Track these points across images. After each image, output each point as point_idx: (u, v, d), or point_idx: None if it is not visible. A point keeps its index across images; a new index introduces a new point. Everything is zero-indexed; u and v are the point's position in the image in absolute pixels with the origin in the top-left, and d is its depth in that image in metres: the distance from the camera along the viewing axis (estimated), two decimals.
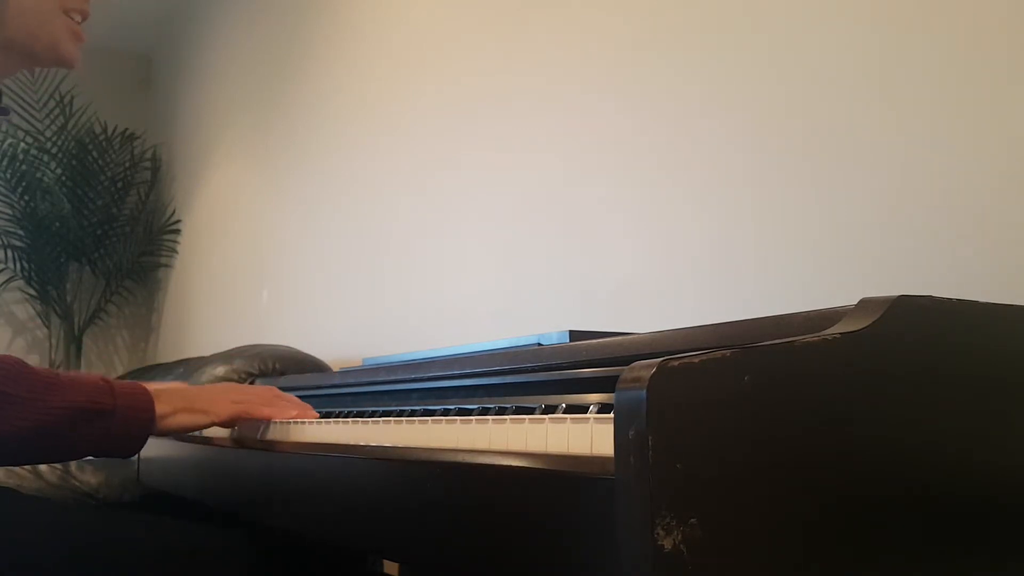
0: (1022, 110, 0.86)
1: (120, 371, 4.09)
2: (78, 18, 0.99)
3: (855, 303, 0.53)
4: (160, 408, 0.94)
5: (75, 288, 3.96)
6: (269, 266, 2.87)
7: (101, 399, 0.90)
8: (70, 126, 3.86)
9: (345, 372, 1.17)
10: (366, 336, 2.18)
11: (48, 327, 3.96)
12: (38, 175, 3.82)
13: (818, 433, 0.47)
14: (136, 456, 1.48)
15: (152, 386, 0.98)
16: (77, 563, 0.92)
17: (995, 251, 0.87)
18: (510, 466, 0.54)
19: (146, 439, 0.95)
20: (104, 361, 4.16)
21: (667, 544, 0.41)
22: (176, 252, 3.92)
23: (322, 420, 0.91)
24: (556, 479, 0.50)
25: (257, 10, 3.12)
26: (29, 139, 3.77)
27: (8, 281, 3.85)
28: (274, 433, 0.97)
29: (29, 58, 0.99)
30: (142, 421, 0.92)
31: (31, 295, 3.88)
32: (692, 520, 0.42)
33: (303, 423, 0.93)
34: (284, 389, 1.11)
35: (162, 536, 1.01)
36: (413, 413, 0.76)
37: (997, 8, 0.89)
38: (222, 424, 1.00)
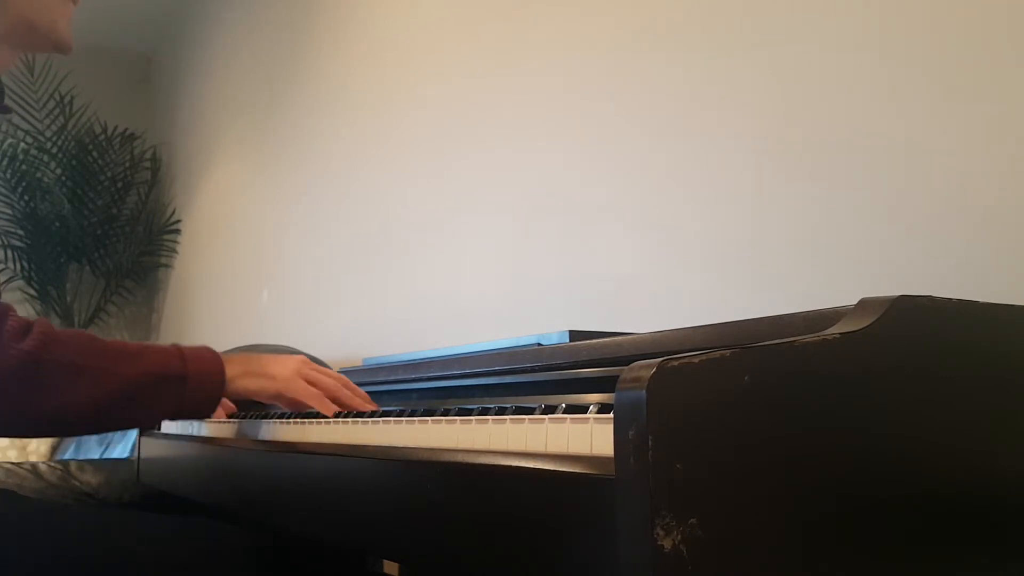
0: (1022, 110, 0.86)
1: None
2: (71, 5, 0.99)
3: (855, 303, 0.53)
4: (230, 370, 0.96)
5: (75, 288, 3.96)
6: (269, 266, 2.87)
7: (174, 365, 0.93)
8: (70, 126, 3.86)
9: (345, 372, 1.17)
10: (366, 336, 2.18)
11: None
12: (38, 175, 3.82)
13: (818, 433, 0.47)
14: (136, 456, 1.49)
15: (225, 354, 1.00)
16: (77, 563, 0.93)
17: (995, 251, 0.87)
18: (510, 466, 0.54)
19: (219, 401, 0.97)
20: None
21: (667, 544, 0.41)
22: (176, 252, 3.92)
23: (328, 420, 0.91)
24: (556, 479, 0.50)
25: (257, 10, 3.12)
26: (29, 139, 3.77)
27: (8, 281, 3.85)
28: (274, 433, 0.97)
29: (28, 46, 0.99)
30: (214, 384, 0.95)
31: (31, 295, 3.88)
32: (692, 520, 0.42)
33: (303, 423, 0.93)
34: None
35: (161, 536, 1.01)
36: (413, 413, 0.76)
37: (997, 7, 0.89)
38: (285, 403, 0.99)
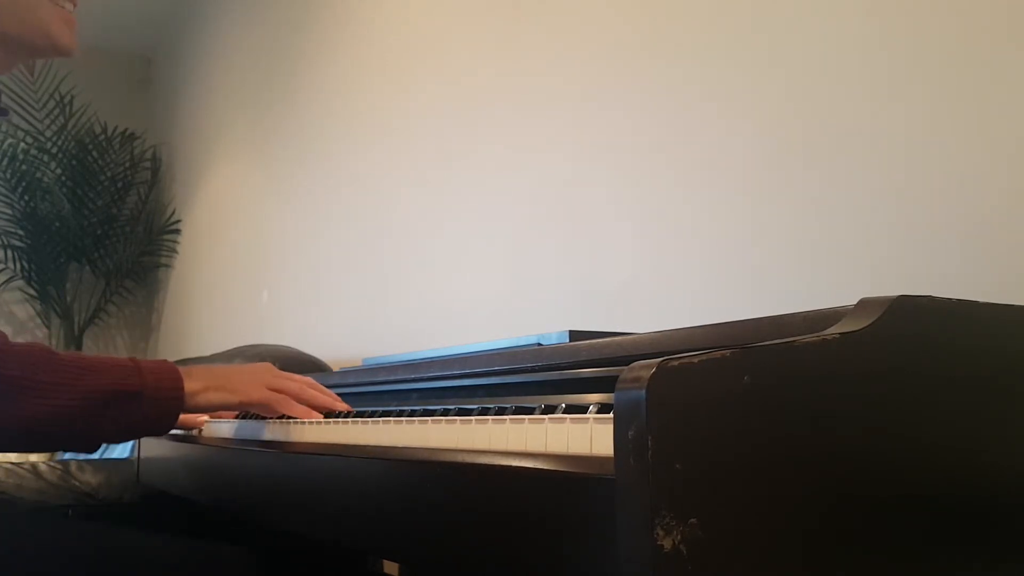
0: (1022, 110, 0.86)
1: None
2: (68, 6, 0.98)
3: (855, 303, 0.53)
4: (190, 385, 0.93)
5: (75, 288, 3.96)
6: (269, 266, 2.87)
7: (130, 380, 0.90)
8: (70, 126, 3.86)
9: (345, 372, 1.17)
10: (366, 336, 2.18)
11: (48, 327, 3.96)
12: (38, 175, 3.82)
13: (818, 433, 0.47)
14: (136, 456, 1.49)
15: (187, 367, 0.97)
16: (77, 564, 0.92)
17: (995, 251, 0.87)
18: (510, 466, 0.54)
19: (177, 417, 0.94)
20: None
21: (667, 544, 0.41)
22: (176, 252, 3.92)
23: (323, 420, 0.91)
24: (556, 479, 0.50)
25: (257, 10, 3.12)
26: (29, 139, 3.77)
27: (8, 281, 3.85)
28: (274, 433, 0.97)
29: (25, 50, 0.98)
30: (172, 400, 0.92)
31: (31, 295, 3.88)
32: (692, 520, 0.42)
33: (303, 423, 0.93)
34: None
35: (161, 536, 1.01)
36: (413, 413, 0.76)
37: (998, 7, 0.89)
38: (251, 406, 0.98)
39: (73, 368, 0.88)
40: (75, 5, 0.99)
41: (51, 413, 0.85)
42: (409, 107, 2.04)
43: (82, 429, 0.89)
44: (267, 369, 1.00)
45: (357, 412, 0.92)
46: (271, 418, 1.01)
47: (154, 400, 0.90)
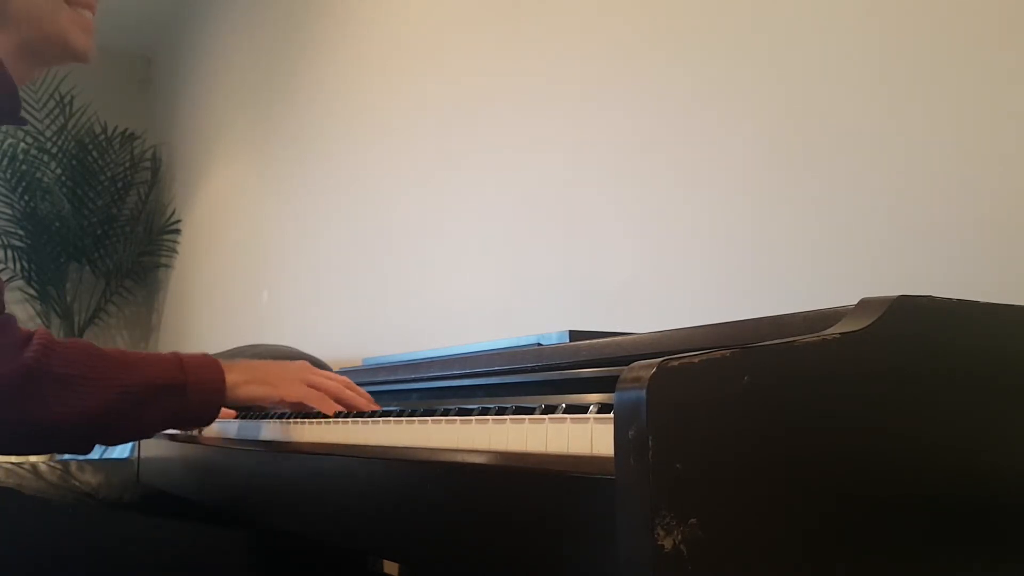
0: (1022, 110, 0.86)
1: None
2: (87, 12, 0.98)
3: (855, 303, 0.53)
4: (231, 378, 0.95)
5: (75, 288, 3.96)
6: (269, 266, 2.87)
7: (173, 374, 0.92)
8: (70, 126, 3.86)
9: (345, 372, 1.17)
10: (366, 336, 2.18)
11: (48, 327, 3.96)
12: (38, 175, 3.82)
13: (818, 433, 0.47)
14: (136, 456, 1.49)
15: (227, 361, 0.99)
16: (77, 563, 0.93)
17: (995, 251, 0.87)
18: (510, 466, 0.54)
19: (219, 409, 0.96)
20: None
21: (667, 544, 0.41)
22: (176, 252, 3.92)
23: (328, 420, 0.91)
24: (556, 479, 0.50)
25: (257, 11, 3.12)
26: (29, 139, 3.77)
27: (8, 281, 3.85)
28: (274, 433, 0.97)
29: (44, 57, 0.99)
30: (214, 392, 0.94)
31: (31, 295, 3.88)
32: (692, 520, 0.42)
33: (303, 423, 0.93)
34: None
35: (161, 536, 1.01)
36: (413, 413, 0.76)
37: (998, 7, 0.89)
38: (288, 405, 0.99)
39: (118, 363, 0.90)
40: (93, 12, 0.99)
41: (100, 409, 0.87)
42: (409, 107, 2.04)
43: (129, 423, 0.91)
44: (305, 367, 1.02)
45: (357, 412, 0.92)
46: (273, 416, 1.01)
47: (197, 393, 0.92)
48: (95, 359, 0.89)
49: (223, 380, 0.95)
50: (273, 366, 1.01)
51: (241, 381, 0.96)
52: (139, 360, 0.92)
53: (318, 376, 1.00)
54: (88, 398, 0.86)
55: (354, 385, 1.00)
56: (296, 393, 0.97)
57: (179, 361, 0.93)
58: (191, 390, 0.92)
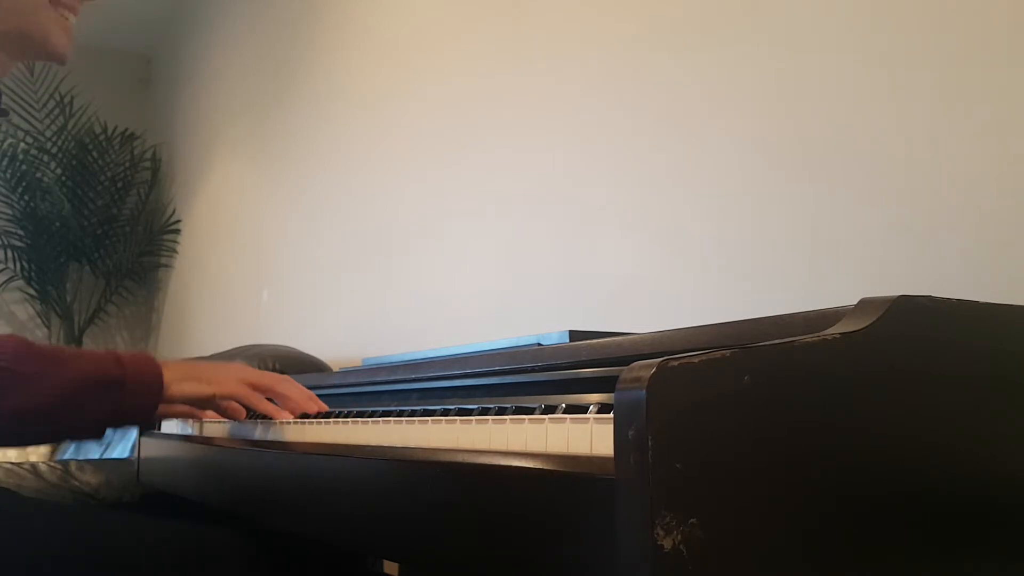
0: (1022, 111, 0.86)
1: None
2: (70, 16, 0.98)
3: (855, 303, 0.53)
4: (168, 374, 0.95)
5: (75, 288, 3.96)
6: (269, 266, 2.87)
7: (109, 369, 0.91)
8: (70, 126, 3.86)
9: (345, 372, 1.17)
10: (366, 336, 2.18)
11: (48, 327, 3.96)
12: (38, 175, 3.82)
13: (818, 433, 0.47)
14: (136, 456, 1.49)
15: (165, 360, 1.00)
16: (77, 563, 0.92)
17: (995, 251, 0.87)
18: (510, 466, 0.54)
19: (157, 406, 0.96)
20: None
21: (667, 544, 0.41)
22: (176, 252, 3.92)
23: (323, 419, 0.91)
24: (556, 479, 0.50)
25: (257, 10, 3.12)
26: (29, 139, 3.77)
27: (8, 281, 3.85)
28: (274, 433, 0.97)
29: (21, 51, 0.99)
30: (152, 388, 0.94)
31: (31, 295, 3.88)
32: (692, 520, 0.42)
33: (303, 423, 0.93)
34: None
35: (161, 536, 1.01)
36: (413, 413, 0.76)
37: (997, 7, 0.89)
38: (224, 398, 1.00)
39: (54, 358, 0.89)
40: (76, 16, 0.99)
41: (37, 403, 0.86)
42: (409, 107, 2.04)
43: (66, 419, 0.90)
44: (243, 367, 1.03)
45: (357, 412, 0.92)
46: (273, 419, 1.01)
47: (135, 388, 0.92)
48: (31, 354, 0.88)
49: (161, 375, 0.95)
50: (212, 365, 1.03)
51: (178, 378, 0.96)
52: (75, 356, 0.92)
53: (257, 374, 1.01)
54: (24, 394, 0.86)
55: (294, 382, 1.02)
56: (232, 391, 0.98)
57: (116, 357, 0.93)
58: (129, 385, 0.92)
